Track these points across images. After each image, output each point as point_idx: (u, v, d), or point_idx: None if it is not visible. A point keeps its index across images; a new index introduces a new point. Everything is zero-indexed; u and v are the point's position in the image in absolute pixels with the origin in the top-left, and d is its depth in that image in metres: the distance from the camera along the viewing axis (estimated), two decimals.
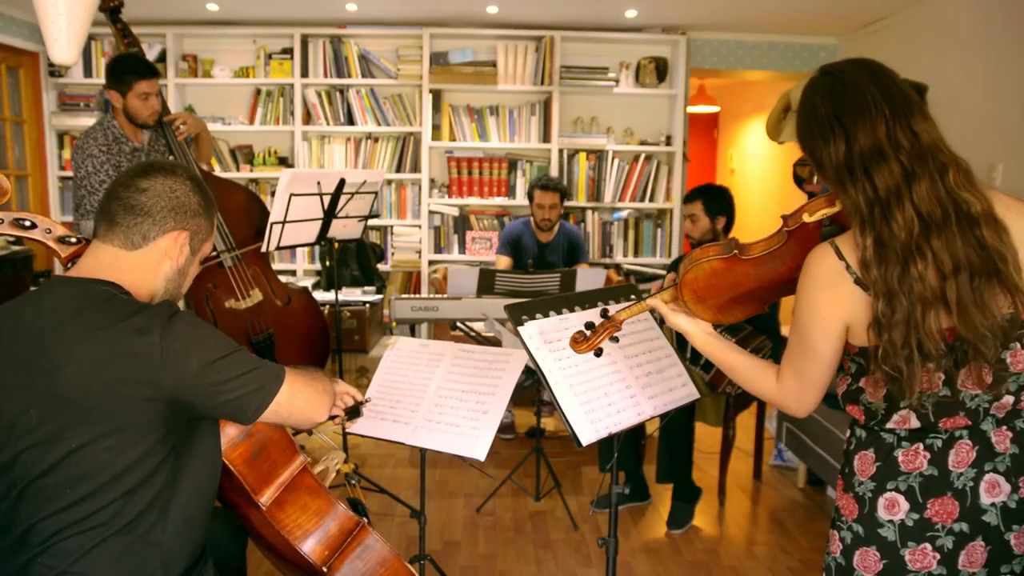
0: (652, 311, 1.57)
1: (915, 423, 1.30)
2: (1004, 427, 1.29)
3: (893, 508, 1.33)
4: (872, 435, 1.36)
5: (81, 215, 3.07)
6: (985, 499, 1.29)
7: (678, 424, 3.12)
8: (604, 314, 1.55)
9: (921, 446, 1.30)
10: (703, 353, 1.52)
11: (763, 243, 1.42)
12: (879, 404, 1.32)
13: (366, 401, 1.81)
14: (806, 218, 1.37)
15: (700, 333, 1.51)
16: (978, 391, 1.26)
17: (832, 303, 1.28)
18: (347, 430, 1.85)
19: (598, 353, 1.59)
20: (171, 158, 3.22)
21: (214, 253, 3.17)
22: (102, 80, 4.82)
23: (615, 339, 1.57)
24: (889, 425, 1.33)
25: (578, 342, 1.53)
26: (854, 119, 1.27)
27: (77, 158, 3.05)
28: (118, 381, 1.27)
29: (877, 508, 1.34)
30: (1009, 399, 1.28)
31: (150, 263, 1.43)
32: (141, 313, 1.32)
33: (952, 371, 1.24)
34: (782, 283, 1.44)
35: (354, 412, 1.74)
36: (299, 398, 1.45)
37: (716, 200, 3.37)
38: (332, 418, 1.72)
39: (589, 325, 1.54)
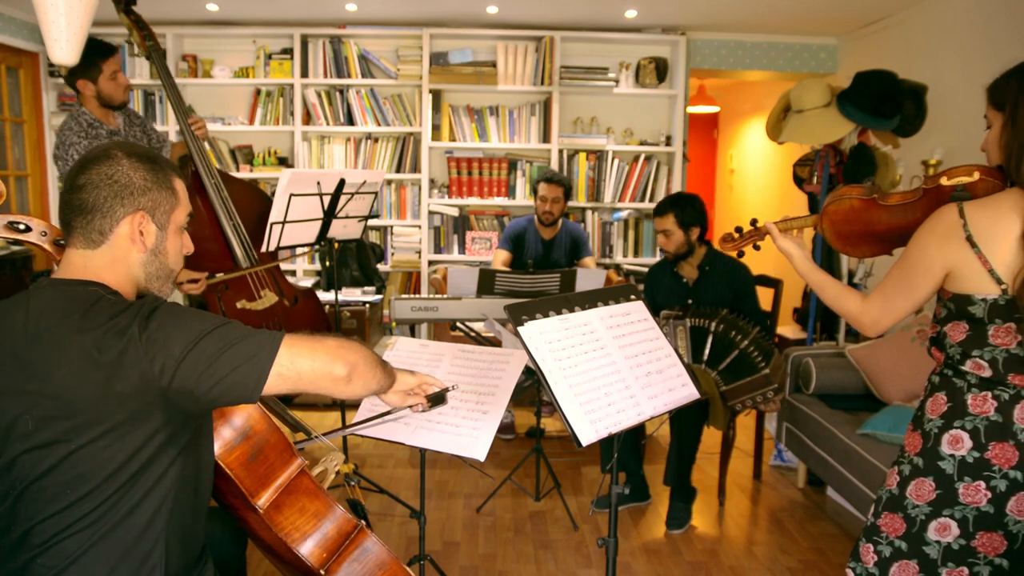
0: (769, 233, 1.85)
1: (987, 372, 1.47)
2: None
3: (957, 444, 1.49)
4: (944, 379, 1.55)
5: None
6: None
7: (689, 427, 3.12)
8: (753, 223, 1.91)
9: (990, 394, 1.47)
10: (801, 272, 1.76)
11: (900, 195, 1.63)
12: (956, 349, 1.51)
13: (453, 387, 1.71)
14: (943, 181, 1.55)
15: (802, 255, 1.77)
16: None
17: (941, 249, 1.48)
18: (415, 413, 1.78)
19: (740, 255, 2.00)
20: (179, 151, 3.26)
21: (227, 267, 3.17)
22: None
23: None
24: (963, 368, 1.50)
25: (727, 241, 1.97)
26: None
27: (58, 152, 3.07)
28: (108, 380, 1.26)
29: (941, 443, 1.51)
30: None
31: (119, 255, 1.39)
32: (124, 312, 1.30)
33: None
34: (907, 232, 1.60)
35: (439, 399, 1.66)
36: (303, 356, 1.32)
37: (687, 211, 3.25)
38: (411, 407, 1.65)
39: (738, 229, 1.95)
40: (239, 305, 3.17)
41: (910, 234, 1.59)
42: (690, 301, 3.37)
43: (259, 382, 1.29)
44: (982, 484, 1.46)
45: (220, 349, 1.27)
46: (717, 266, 3.34)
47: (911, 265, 1.52)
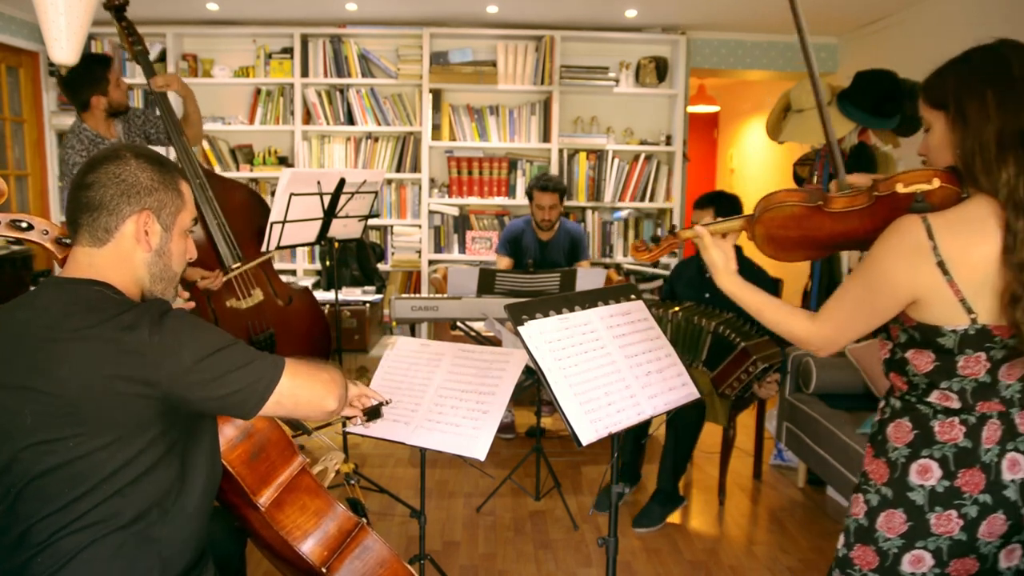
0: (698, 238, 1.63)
1: (955, 404, 1.40)
2: None
3: (926, 474, 1.42)
4: (908, 405, 1.46)
5: None
6: (1007, 475, 1.38)
7: (687, 429, 3.11)
8: (672, 230, 1.70)
9: (957, 420, 1.40)
10: (726, 290, 1.58)
11: (847, 199, 1.45)
12: (922, 379, 1.42)
13: (387, 402, 1.76)
14: (899, 188, 1.38)
15: (728, 272, 1.59)
16: (1011, 381, 1.37)
17: (910, 275, 1.34)
18: (347, 429, 1.84)
19: (655, 264, 1.75)
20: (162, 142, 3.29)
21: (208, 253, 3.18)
22: None
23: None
24: (929, 399, 1.42)
25: (639, 250, 1.73)
26: None
27: (63, 169, 3.09)
28: (111, 379, 1.26)
29: (909, 473, 1.43)
30: None
31: (124, 255, 1.40)
32: (132, 311, 1.31)
33: (997, 362, 1.36)
34: (851, 240, 1.49)
35: (374, 413, 1.70)
36: (303, 387, 1.41)
37: (727, 209, 3.28)
38: (348, 419, 1.70)
39: (654, 239, 1.73)
40: (228, 304, 3.18)
41: (856, 241, 1.48)
42: (707, 295, 3.39)
43: (259, 404, 1.36)
44: (954, 513, 1.40)
45: (227, 370, 1.33)
46: (738, 266, 3.37)
47: (874, 287, 1.39)
